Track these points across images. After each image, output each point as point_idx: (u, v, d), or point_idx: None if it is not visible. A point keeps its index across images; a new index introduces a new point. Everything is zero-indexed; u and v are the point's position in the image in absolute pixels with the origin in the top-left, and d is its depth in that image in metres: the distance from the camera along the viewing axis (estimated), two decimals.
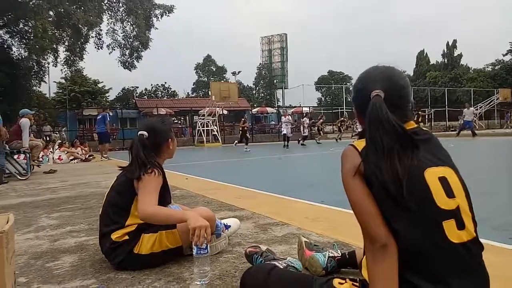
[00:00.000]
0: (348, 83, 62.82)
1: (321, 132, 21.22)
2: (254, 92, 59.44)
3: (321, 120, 21.54)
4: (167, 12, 25.65)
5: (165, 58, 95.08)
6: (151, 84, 53.57)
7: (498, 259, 1.94)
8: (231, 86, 23.32)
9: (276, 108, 34.17)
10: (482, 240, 2.20)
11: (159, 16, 25.74)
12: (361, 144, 1.11)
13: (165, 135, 2.06)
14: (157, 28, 26.18)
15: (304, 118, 19.64)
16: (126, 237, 1.85)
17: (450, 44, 59.05)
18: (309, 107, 31.20)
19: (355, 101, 1.24)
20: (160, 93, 53.37)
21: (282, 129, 17.07)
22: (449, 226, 1.02)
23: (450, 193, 1.05)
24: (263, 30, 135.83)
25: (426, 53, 61.14)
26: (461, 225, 1.04)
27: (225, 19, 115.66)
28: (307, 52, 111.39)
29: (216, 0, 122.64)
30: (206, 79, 53.81)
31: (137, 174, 1.84)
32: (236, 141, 17.92)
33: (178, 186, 4.82)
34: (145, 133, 1.95)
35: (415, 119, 18.16)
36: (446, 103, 37.11)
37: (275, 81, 54.86)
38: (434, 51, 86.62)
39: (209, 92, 23.78)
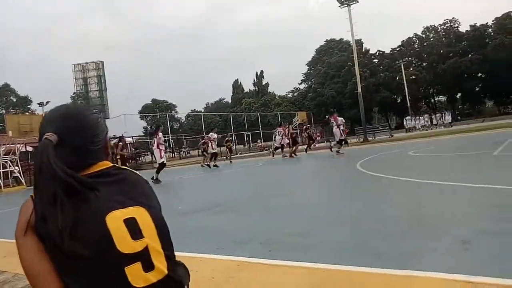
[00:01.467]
0: (173, 111, 63.85)
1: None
2: None
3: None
4: None
5: None
6: None
7: (263, 275, 2.11)
8: (33, 119, 20.24)
9: None
10: (237, 258, 2.41)
11: None
12: None
13: None
14: None
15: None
16: None
17: (258, 74, 67.43)
18: (132, 137, 30.03)
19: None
20: None
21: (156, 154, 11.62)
22: (133, 271, 0.98)
23: (137, 235, 1.01)
24: (78, 56, 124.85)
25: (240, 82, 68.11)
26: (149, 267, 1.01)
27: (31, 43, 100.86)
28: (129, 81, 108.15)
29: (20, 21, 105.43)
30: (4, 111, 45.23)
31: None
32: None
33: None
34: None
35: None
36: (260, 126, 41.96)
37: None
38: (247, 80, 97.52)
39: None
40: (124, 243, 0.98)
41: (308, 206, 4.36)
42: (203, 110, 69.28)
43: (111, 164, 1.12)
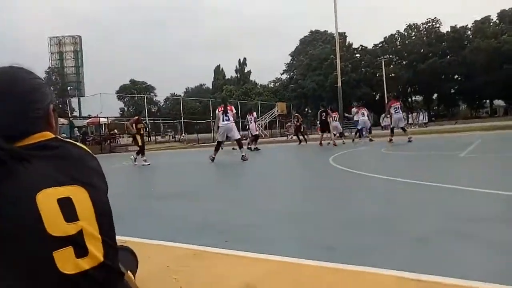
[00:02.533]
0: (151, 93, 62.69)
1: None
2: None
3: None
4: None
5: None
6: None
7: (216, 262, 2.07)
8: None
9: (69, 119, 30.43)
10: (193, 247, 2.37)
11: None
12: None
13: None
14: None
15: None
16: None
17: (241, 61, 66.95)
18: (108, 117, 29.24)
19: None
20: None
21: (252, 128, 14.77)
22: (62, 256, 0.90)
23: (71, 216, 0.93)
24: (53, 30, 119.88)
25: (222, 68, 67.51)
26: (82, 252, 0.93)
27: None
28: (107, 59, 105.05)
29: None
30: None
31: None
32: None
33: None
34: None
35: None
36: (240, 114, 41.76)
37: (68, 88, 49.21)
38: (229, 66, 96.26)
39: None
40: (56, 225, 0.90)
41: (273, 198, 4.36)
42: (182, 95, 68.28)
43: (52, 136, 1.02)
